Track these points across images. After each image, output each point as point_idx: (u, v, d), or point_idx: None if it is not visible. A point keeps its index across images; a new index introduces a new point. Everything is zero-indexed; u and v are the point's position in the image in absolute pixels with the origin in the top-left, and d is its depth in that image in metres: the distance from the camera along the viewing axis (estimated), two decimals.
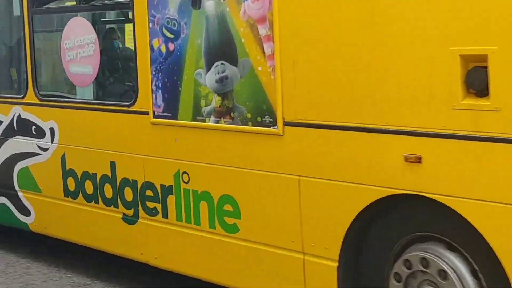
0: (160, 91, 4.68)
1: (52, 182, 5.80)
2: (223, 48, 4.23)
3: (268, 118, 4.02)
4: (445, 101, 3.24)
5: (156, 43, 4.67)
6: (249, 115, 4.14)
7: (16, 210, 6.31)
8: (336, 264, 3.76)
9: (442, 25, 3.24)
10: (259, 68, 4.05)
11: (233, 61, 4.17)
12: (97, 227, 5.45)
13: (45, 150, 5.85)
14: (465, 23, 3.15)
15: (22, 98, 6.04)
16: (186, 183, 4.61)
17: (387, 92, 3.47)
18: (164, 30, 4.60)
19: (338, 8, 3.64)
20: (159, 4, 4.60)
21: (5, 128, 6.26)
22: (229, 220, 4.34)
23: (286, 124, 3.93)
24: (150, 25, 4.68)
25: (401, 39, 3.39)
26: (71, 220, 5.71)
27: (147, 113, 4.81)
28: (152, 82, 4.71)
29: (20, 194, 6.24)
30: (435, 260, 3.38)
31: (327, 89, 3.72)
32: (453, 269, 3.33)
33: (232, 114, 4.23)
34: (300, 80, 3.85)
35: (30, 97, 5.92)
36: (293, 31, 3.86)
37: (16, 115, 6.12)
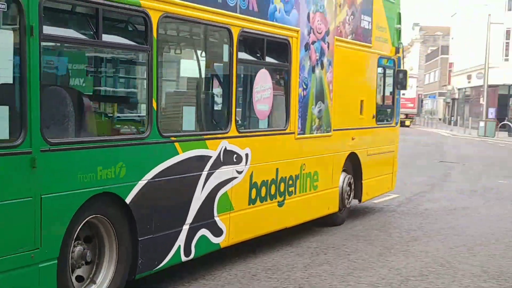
0: (300, 119, 8.57)
1: (242, 197, 7.37)
2: (319, 96, 9.05)
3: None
4: None
5: (300, 90, 8.55)
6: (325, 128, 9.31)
7: (212, 235, 6.92)
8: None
9: None
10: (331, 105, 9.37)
11: (325, 101, 9.18)
12: (265, 216, 7.90)
13: (241, 172, 7.28)
14: None
15: (227, 133, 7.01)
16: (304, 170, 8.78)
17: None
18: (303, 84, 8.58)
19: None
20: (301, 68, 8.51)
21: (213, 162, 6.76)
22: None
23: None
24: (299, 81, 8.48)
25: None
26: (251, 220, 7.58)
27: (293, 133, 8.46)
28: (297, 114, 8.49)
29: (217, 219, 6.98)
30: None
31: None
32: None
33: (321, 129, 9.18)
34: None
35: (233, 131, 7.12)
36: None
37: (223, 148, 6.89)
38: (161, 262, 6.18)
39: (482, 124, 41.95)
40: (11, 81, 4.78)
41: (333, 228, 9.70)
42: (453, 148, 29.48)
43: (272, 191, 7.97)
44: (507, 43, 52.28)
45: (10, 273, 4.59)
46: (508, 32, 51.95)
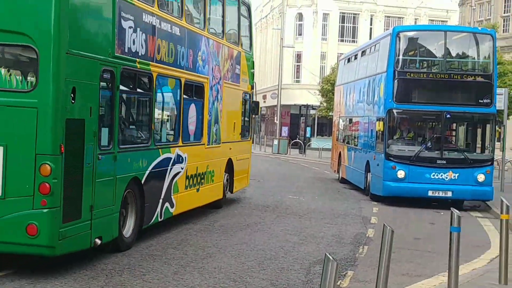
0: (207, 135, 13.88)
1: (183, 184, 12.10)
2: (216, 120, 13.50)
3: None
4: None
5: (207, 116, 12.76)
6: None
7: (170, 207, 11.43)
8: None
9: None
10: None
11: (218, 123, 13.81)
12: (192, 197, 12.62)
13: (182, 168, 12.56)
14: None
15: (177, 143, 11.72)
16: (208, 169, 13.43)
17: None
18: (209, 112, 13.16)
19: None
20: (209, 102, 13.12)
21: (172, 161, 11.41)
22: None
23: None
24: (207, 110, 13.01)
25: None
26: (186, 199, 12.39)
27: (204, 144, 13.31)
28: (206, 132, 13.51)
29: (172, 197, 11.51)
30: None
31: None
32: None
33: (216, 142, 13.91)
34: None
35: (180, 143, 11.85)
36: None
37: (176, 153, 11.76)
38: (151, 220, 10.51)
39: (276, 142, 44.11)
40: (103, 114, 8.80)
41: (124, 251, 9.67)
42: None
43: (195, 181, 12.60)
44: (298, 65, 55.55)
45: (106, 218, 8.81)
46: (298, 55, 55.23)
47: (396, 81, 17.07)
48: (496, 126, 17.48)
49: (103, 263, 8.66)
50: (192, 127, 12.28)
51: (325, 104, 43.48)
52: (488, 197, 17.22)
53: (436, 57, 18.23)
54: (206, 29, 12.92)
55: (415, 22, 55.00)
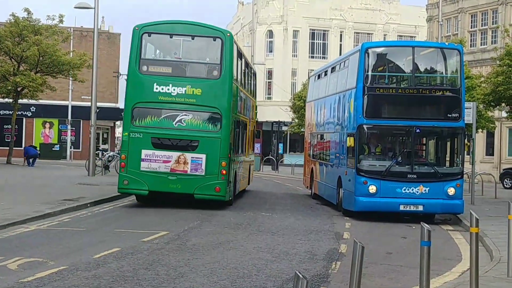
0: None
1: None
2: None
3: None
4: None
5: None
6: None
7: None
8: None
9: None
10: None
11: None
12: None
13: None
14: None
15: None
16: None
17: None
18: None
19: None
20: None
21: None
22: None
23: None
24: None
25: None
26: None
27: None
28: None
29: None
30: None
31: None
32: None
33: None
34: None
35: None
36: None
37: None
38: (236, 192, 21.04)
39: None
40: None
41: (100, 269, 9.57)
42: None
43: (244, 175, 23.67)
44: (269, 82, 55.76)
45: (232, 187, 19.00)
46: (269, 72, 55.46)
47: (365, 96, 17.20)
48: (465, 140, 17.69)
49: (73, 285, 8.54)
50: (244, 145, 22.38)
51: (297, 121, 43.72)
52: (459, 210, 17.39)
53: (405, 72, 18.46)
54: (252, 95, 25.18)
55: (384, 38, 55.70)
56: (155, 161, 17.58)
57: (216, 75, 17.92)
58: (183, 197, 18.10)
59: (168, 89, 17.63)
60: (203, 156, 17.55)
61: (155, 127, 17.67)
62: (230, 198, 18.79)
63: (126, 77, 21.20)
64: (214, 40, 18.07)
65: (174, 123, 17.71)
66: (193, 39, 18.49)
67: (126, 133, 17.65)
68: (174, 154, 17.54)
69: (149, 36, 18.19)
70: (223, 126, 17.61)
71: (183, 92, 17.66)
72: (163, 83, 17.64)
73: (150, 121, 17.70)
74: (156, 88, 17.65)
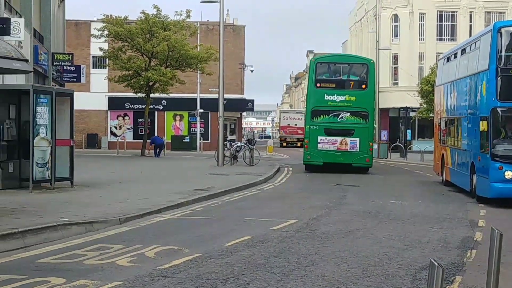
0: None
1: None
2: None
3: None
4: None
5: None
6: None
7: None
8: None
9: None
10: None
11: None
12: None
13: None
14: None
15: None
16: None
17: None
18: None
19: None
20: None
21: None
22: None
23: None
24: None
25: None
26: None
27: None
28: None
29: None
30: None
31: None
32: None
33: None
34: None
35: None
36: None
37: None
38: None
39: (375, 146, 43.50)
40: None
41: (232, 256, 9.77)
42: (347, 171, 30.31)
43: None
44: (395, 67, 54.60)
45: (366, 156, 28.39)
46: (395, 57, 54.28)
47: (499, 78, 16.45)
48: None
49: (208, 272, 8.78)
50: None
51: (425, 106, 42.53)
52: None
53: None
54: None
55: None
56: (327, 143, 27.33)
57: (364, 87, 27.99)
58: (342, 167, 27.33)
59: (334, 98, 27.48)
60: (358, 140, 27.19)
61: (326, 122, 27.47)
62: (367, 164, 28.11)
63: (306, 92, 30.85)
64: (362, 65, 28.82)
65: (338, 119, 27.40)
66: (349, 65, 29.37)
67: (308, 126, 27.70)
68: (339, 139, 27.30)
69: (321, 64, 28.94)
70: (369, 120, 27.63)
71: (344, 99, 27.45)
72: (331, 93, 27.57)
73: (322, 118, 27.52)
74: (326, 97, 27.52)
